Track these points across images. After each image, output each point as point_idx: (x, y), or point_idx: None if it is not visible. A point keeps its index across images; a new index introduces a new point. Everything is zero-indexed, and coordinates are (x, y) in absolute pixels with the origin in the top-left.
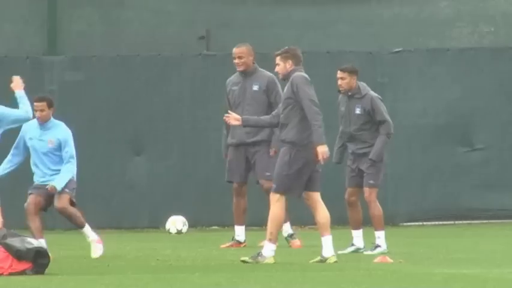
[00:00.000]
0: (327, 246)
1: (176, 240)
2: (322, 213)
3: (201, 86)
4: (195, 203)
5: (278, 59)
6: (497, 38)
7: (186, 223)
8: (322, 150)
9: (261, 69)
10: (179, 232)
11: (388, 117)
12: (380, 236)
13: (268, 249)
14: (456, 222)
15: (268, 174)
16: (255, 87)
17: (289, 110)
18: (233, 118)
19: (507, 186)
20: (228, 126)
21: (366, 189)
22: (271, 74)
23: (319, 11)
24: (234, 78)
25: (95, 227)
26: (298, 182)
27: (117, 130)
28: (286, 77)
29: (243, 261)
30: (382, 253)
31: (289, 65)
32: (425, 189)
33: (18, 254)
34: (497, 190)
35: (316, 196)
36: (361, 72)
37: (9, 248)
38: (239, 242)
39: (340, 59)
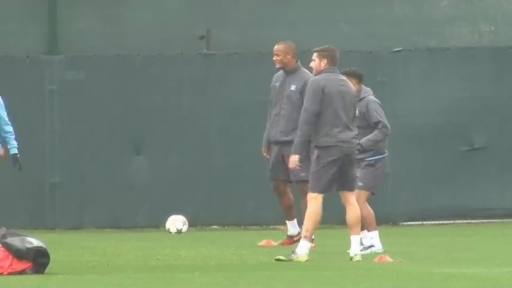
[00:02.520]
0: (353, 245)
1: (176, 240)
2: (349, 214)
3: (201, 85)
4: (195, 202)
5: (315, 55)
6: (497, 37)
7: (186, 222)
8: (292, 159)
9: (304, 70)
10: (179, 231)
11: (382, 118)
12: (373, 236)
13: (303, 247)
14: (456, 221)
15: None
16: (292, 87)
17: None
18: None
19: (507, 186)
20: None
21: (355, 191)
22: (311, 75)
23: (318, 11)
24: (279, 74)
25: (95, 226)
26: (328, 179)
27: (117, 129)
28: (289, 70)
29: (278, 260)
30: (377, 252)
31: (323, 63)
32: (425, 189)
33: (18, 254)
34: (497, 189)
35: (347, 195)
36: (364, 77)
37: (9, 247)
38: (291, 237)
39: (340, 59)
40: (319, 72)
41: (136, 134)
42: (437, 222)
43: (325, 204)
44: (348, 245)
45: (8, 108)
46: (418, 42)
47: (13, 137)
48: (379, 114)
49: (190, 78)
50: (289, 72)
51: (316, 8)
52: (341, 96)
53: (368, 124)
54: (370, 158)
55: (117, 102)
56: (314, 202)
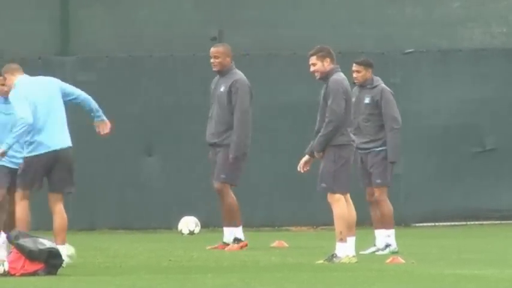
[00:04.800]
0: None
1: (188, 241)
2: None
3: None
4: (207, 204)
5: (314, 59)
6: (510, 38)
7: (199, 224)
8: (317, 156)
9: (236, 71)
10: (191, 233)
11: (393, 112)
12: (390, 234)
13: (342, 250)
14: (468, 222)
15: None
16: (222, 89)
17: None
18: None
19: None
20: None
21: (375, 189)
22: (240, 77)
23: (331, 12)
24: (216, 77)
25: (107, 227)
26: (347, 178)
27: (129, 131)
28: (325, 77)
29: (318, 263)
30: (394, 252)
31: (327, 63)
32: (436, 190)
33: (31, 255)
34: (509, 190)
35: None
36: (374, 72)
37: (21, 249)
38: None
39: (353, 60)
40: (326, 73)
41: (148, 135)
42: (449, 223)
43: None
44: (358, 246)
45: None
46: (430, 43)
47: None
48: (394, 106)
49: (202, 79)
50: (223, 73)
51: (329, 9)
52: (351, 95)
53: (379, 112)
54: (380, 148)
55: (128, 103)
56: (339, 203)
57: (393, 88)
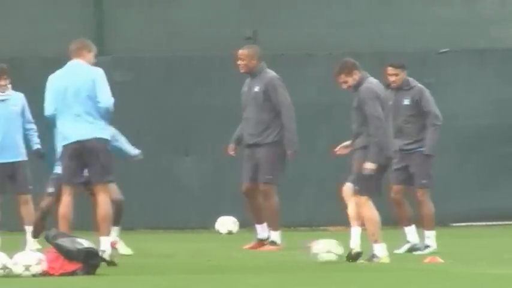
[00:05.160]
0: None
1: (226, 241)
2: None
3: None
4: (245, 203)
5: (343, 77)
6: None
7: (237, 223)
8: (368, 167)
9: (267, 70)
10: (229, 232)
11: (435, 109)
12: (430, 235)
13: (380, 249)
14: (506, 222)
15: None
16: (256, 89)
17: (362, 119)
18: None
19: None
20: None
21: (419, 190)
22: (273, 75)
23: (365, 12)
24: (248, 79)
25: (144, 227)
26: (377, 182)
27: (165, 131)
28: (357, 87)
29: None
30: (433, 253)
31: (356, 75)
32: (474, 190)
33: (69, 255)
34: None
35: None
36: (408, 72)
37: (59, 249)
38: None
39: (387, 60)
40: (358, 83)
41: (184, 135)
42: (486, 223)
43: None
44: (395, 245)
45: None
46: (465, 43)
47: (36, 134)
48: (433, 103)
49: (238, 79)
50: (253, 75)
51: (362, 9)
52: (383, 99)
53: (419, 111)
54: (423, 148)
55: (164, 103)
56: (368, 205)
57: (427, 88)
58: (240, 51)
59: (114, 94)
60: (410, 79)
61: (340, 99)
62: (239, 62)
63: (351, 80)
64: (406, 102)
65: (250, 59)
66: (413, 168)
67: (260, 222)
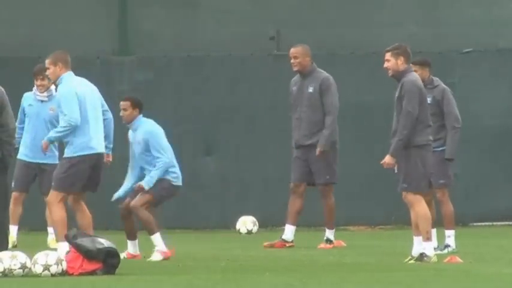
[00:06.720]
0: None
1: (246, 240)
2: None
3: (271, 86)
4: (265, 203)
5: (389, 55)
6: None
7: (257, 223)
8: (388, 161)
9: (319, 70)
10: (249, 232)
11: (455, 111)
12: (450, 235)
13: (430, 248)
14: None
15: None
16: (310, 89)
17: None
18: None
19: None
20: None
21: (437, 190)
22: (327, 75)
23: (388, 12)
24: (295, 78)
25: (165, 227)
26: (424, 179)
27: (187, 130)
28: (397, 76)
29: (408, 262)
30: (452, 253)
31: (400, 61)
32: (495, 190)
33: (89, 254)
34: None
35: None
36: (431, 72)
37: (79, 248)
38: (285, 241)
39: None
40: (399, 72)
41: (206, 135)
42: (507, 223)
43: (393, 205)
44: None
45: None
46: (488, 43)
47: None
48: (454, 105)
49: (260, 79)
50: (306, 74)
51: (385, 9)
52: (425, 95)
53: (440, 111)
54: (442, 148)
55: (187, 103)
56: (421, 204)
57: (451, 88)
58: (293, 49)
59: (136, 94)
60: (435, 78)
61: (364, 99)
62: (292, 61)
63: (393, 63)
64: (428, 100)
65: (305, 57)
66: (432, 168)
67: (292, 224)
